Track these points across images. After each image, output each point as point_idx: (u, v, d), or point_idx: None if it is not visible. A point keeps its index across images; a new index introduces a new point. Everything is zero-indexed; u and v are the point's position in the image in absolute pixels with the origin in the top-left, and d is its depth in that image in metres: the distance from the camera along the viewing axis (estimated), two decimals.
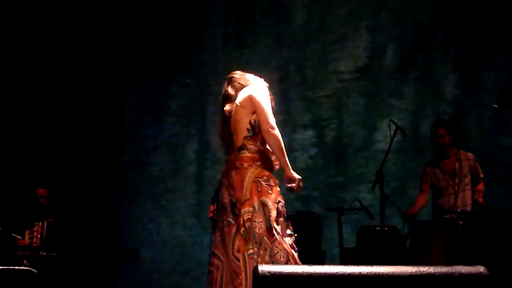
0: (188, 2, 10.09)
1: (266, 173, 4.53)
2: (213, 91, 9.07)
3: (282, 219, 4.52)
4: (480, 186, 7.08)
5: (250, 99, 4.57)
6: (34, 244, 7.63)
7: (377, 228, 6.82)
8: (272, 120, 4.51)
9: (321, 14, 9.51)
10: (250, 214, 4.36)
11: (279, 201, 4.52)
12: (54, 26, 9.65)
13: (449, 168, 7.14)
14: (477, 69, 8.77)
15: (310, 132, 9.26)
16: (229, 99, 4.70)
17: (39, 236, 7.64)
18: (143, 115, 10.05)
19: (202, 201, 9.29)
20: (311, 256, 7.54)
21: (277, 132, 4.51)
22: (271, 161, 4.61)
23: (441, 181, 7.13)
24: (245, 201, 4.40)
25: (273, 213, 4.41)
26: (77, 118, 9.67)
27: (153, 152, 9.90)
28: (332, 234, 8.21)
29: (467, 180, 7.05)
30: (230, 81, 4.79)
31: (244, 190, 4.42)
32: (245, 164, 4.49)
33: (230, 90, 4.73)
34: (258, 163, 4.52)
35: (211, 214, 7.24)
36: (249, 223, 4.33)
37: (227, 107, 4.66)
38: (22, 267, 3.38)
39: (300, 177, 4.63)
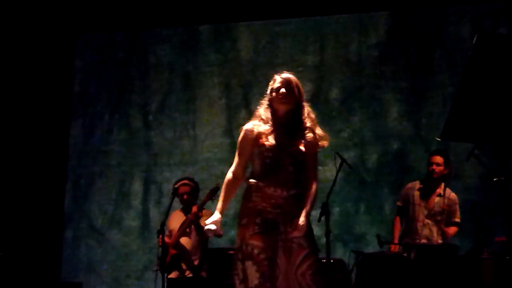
0: (134, 33, 10.07)
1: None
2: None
3: None
4: (451, 229, 7.11)
5: None
6: None
7: (323, 261, 6.81)
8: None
9: (265, 49, 9.57)
10: None
11: None
12: None
13: (429, 198, 7.14)
14: (421, 102, 8.91)
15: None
16: None
17: None
18: (88, 146, 9.93)
19: (147, 234, 9.21)
20: None
21: (226, 176, 4.57)
22: None
23: (415, 206, 7.13)
24: None
25: None
26: (20, 150, 9.51)
27: (98, 184, 9.78)
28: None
29: (441, 217, 7.07)
30: None
31: None
32: None
33: None
34: None
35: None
36: None
37: None
38: None
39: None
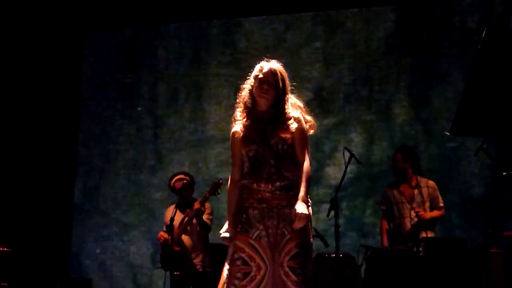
0: (142, 28, 10.09)
1: None
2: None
3: None
4: (435, 213, 7.13)
5: None
6: None
7: (332, 255, 6.82)
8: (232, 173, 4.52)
9: (274, 40, 9.57)
10: None
11: None
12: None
13: (408, 193, 7.20)
14: (428, 97, 8.90)
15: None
16: None
17: None
18: (97, 141, 9.96)
19: (157, 230, 9.24)
20: None
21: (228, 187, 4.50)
22: None
23: (399, 204, 7.19)
24: None
25: None
26: (30, 147, 9.56)
27: (106, 181, 9.81)
28: None
29: (425, 206, 7.10)
30: None
31: None
32: None
33: None
34: None
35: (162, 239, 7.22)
36: None
37: None
38: None
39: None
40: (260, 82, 4.43)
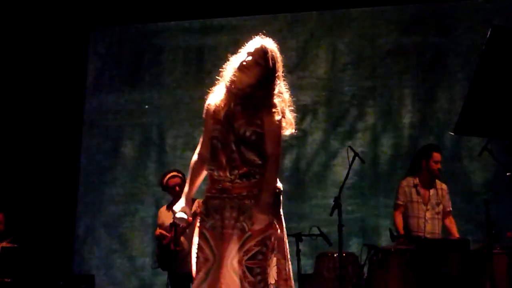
0: (147, 25, 10.10)
1: None
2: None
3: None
4: (454, 225, 7.13)
5: None
6: None
7: (335, 255, 6.82)
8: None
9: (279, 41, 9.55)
10: None
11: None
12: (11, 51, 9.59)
13: (424, 194, 7.12)
14: (433, 96, 8.90)
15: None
16: None
17: None
18: (101, 138, 9.97)
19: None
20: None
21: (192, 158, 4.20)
22: None
23: (414, 202, 7.10)
24: None
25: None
26: (34, 143, 9.57)
27: (111, 177, 9.82)
28: (290, 260, 8.20)
29: (439, 209, 7.07)
30: None
31: None
32: None
33: None
34: None
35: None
36: None
37: None
38: None
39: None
40: (246, 55, 4.06)
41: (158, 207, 9.43)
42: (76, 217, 9.78)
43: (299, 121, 9.11)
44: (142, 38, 10.12)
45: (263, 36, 4.26)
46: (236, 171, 3.95)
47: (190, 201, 4.12)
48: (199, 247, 3.98)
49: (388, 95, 9.10)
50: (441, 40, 9.03)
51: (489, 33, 3.32)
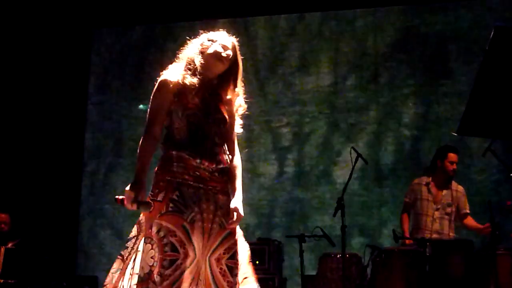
0: (150, 27, 10.11)
1: None
2: None
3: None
4: (470, 220, 7.10)
5: None
6: None
7: (338, 256, 6.82)
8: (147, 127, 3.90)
9: (283, 43, 9.57)
10: None
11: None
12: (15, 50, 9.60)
13: (437, 193, 7.12)
14: (435, 97, 8.89)
15: (272, 160, 9.27)
16: None
17: None
18: (104, 138, 9.98)
19: None
20: (272, 284, 7.53)
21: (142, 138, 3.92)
22: None
23: (424, 200, 7.10)
24: None
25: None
26: (37, 144, 9.59)
27: (114, 178, 9.83)
28: (293, 261, 8.23)
29: (450, 210, 7.04)
30: None
31: None
32: None
33: None
34: None
35: None
36: None
37: None
38: None
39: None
40: (221, 46, 3.96)
41: None
42: (79, 218, 9.78)
43: (302, 122, 9.20)
44: (145, 39, 10.13)
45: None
46: (220, 165, 3.79)
47: (144, 187, 3.75)
48: (180, 242, 3.58)
49: (391, 96, 9.09)
50: (444, 41, 9.02)
51: (492, 33, 3.32)
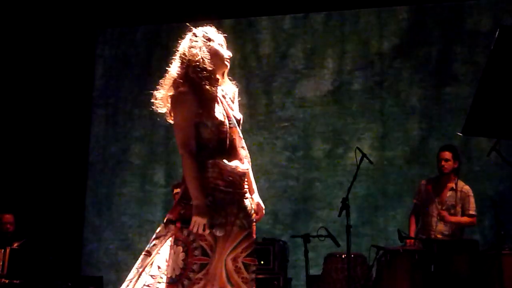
0: (154, 27, 10.12)
1: None
2: None
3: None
4: (463, 218, 7.05)
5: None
6: None
7: (343, 256, 6.82)
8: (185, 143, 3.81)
9: (288, 42, 9.57)
10: None
11: None
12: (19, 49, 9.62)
13: (442, 193, 7.11)
14: (442, 96, 8.89)
15: (277, 159, 9.27)
16: None
17: (1, 263, 7.52)
18: (109, 140, 9.99)
19: None
20: (278, 284, 7.53)
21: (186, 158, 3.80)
22: None
23: (430, 200, 7.10)
24: None
25: None
26: (42, 145, 9.60)
27: (120, 179, 9.83)
28: (298, 261, 8.22)
29: (454, 210, 7.03)
30: None
31: None
32: None
33: None
34: None
35: None
36: None
37: None
38: None
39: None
40: (221, 46, 3.96)
41: (166, 208, 9.45)
42: (84, 218, 9.79)
43: (306, 122, 9.19)
44: (150, 40, 10.14)
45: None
46: (245, 168, 3.88)
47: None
48: (210, 247, 3.68)
49: (396, 96, 9.08)
50: (449, 40, 9.01)
51: (497, 33, 3.32)
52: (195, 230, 3.63)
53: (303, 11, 9.58)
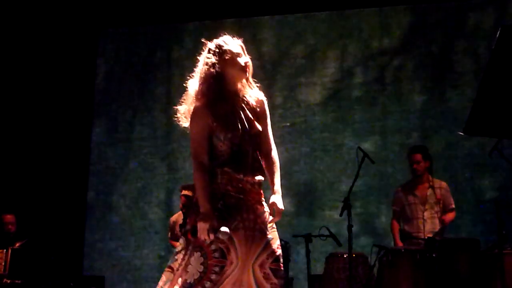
0: (156, 27, 10.11)
1: None
2: None
3: None
4: (448, 216, 7.12)
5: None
6: None
7: (345, 255, 6.81)
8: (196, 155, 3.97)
9: (289, 42, 9.57)
10: None
11: None
12: (21, 51, 9.62)
13: (421, 194, 7.17)
14: (443, 95, 8.89)
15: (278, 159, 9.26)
16: None
17: (3, 263, 7.54)
18: (111, 139, 10.00)
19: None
20: None
21: (197, 170, 3.93)
22: None
23: (411, 205, 7.16)
24: None
25: None
26: (44, 146, 9.61)
27: (121, 178, 9.84)
28: (300, 261, 8.22)
29: (438, 208, 7.08)
30: None
31: None
32: None
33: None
34: None
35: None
36: None
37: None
38: None
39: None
40: (237, 54, 4.11)
41: (167, 208, 9.46)
42: (86, 218, 9.79)
43: (308, 121, 9.19)
44: (151, 40, 10.14)
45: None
46: (259, 177, 3.99)
47: (214, 214, 3.81)
48: (227, 249, 3.78)
49: (398, 95, 9.08)
50: (450, 40, 9.01)
51: (498, 33, 3.32)
52: (199, 235, 3.74)
53: (305, 11, 9.58)
